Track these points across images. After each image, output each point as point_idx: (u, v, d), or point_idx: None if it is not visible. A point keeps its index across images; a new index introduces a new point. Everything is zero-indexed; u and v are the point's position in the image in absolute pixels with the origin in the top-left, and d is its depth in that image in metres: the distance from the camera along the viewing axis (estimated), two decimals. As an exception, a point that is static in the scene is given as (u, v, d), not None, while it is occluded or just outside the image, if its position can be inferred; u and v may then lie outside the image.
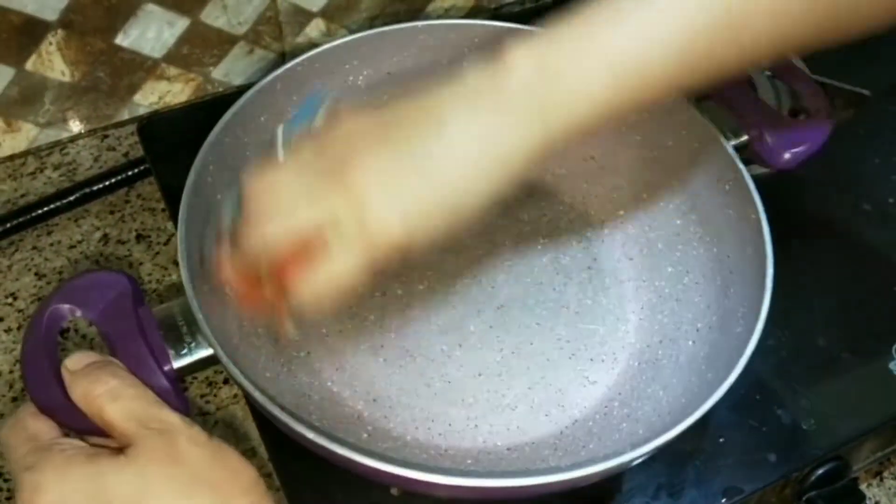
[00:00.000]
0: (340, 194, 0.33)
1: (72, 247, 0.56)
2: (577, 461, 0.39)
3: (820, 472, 0.45)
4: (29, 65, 0.54)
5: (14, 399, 0.49)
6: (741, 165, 0.46)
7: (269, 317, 0.37)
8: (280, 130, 0.36)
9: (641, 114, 0.50)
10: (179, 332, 0.39)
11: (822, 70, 0.61)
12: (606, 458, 0.35)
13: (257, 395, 0.36)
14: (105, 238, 0.56)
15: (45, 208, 0.56)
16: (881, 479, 0.51)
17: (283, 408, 0.36)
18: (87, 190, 0.57)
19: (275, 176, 0.35)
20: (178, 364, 0.39)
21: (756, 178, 0.48)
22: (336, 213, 0.33)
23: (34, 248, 0.56)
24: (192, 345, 0.39)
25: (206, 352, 0.39)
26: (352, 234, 0.33)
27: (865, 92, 0.60)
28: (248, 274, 0.36)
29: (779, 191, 0.51)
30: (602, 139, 0.53)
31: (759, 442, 0.45)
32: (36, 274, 0.54)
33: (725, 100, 0.51)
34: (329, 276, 0.34)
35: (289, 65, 0.49)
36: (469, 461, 0.42)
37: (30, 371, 0.37)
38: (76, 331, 0.51)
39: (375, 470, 0.34)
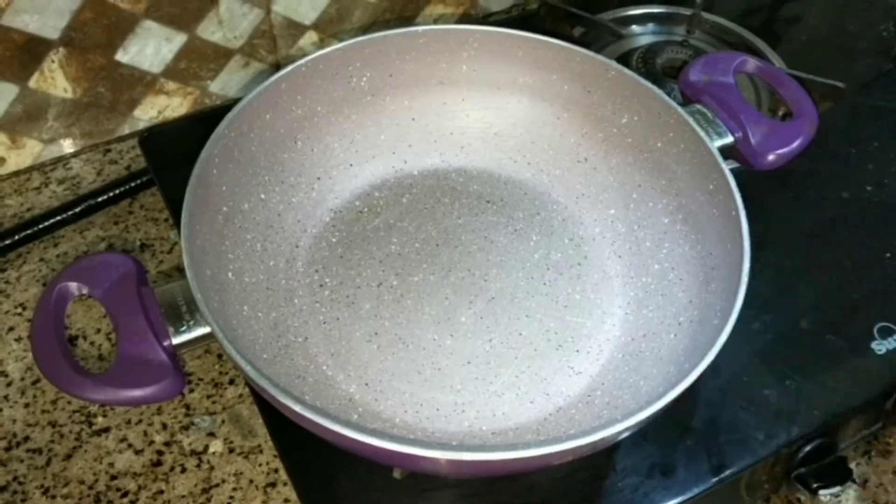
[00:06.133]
0: None
1: (78, 257, 0.57)
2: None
3: (807, 449, 0.47)
4: (32, 82, 0.56)
5: (26, 405, 0.50)
6: (724, 166, 0.47)
7: None
8: None
9: (632, 117, 0.52)
10: (179, 311, 0.41)
11: (800, 65, 0.63)
12: (578, 435, 0.36)
13: (248, 368, 0.37)
14: (110, 248, 0.58)
15: (51, 221, 0.58)
16: (869, 458, 0.53)
17: (272, 381, 0.37)
18: (92, 202, 0.59)
19: None
20: (176, 340, 0.41)
21: (739, 170, 0.49)
22: None
23: (41, 259, 0.57)
24: (191, 323, 0.41)
25: (203, 329, 0.41)
26: None
27: (841, 85, 0.62)
28: None
29: (761, 181, 0.53)
30: (595, 142, 0.55)
31: (747, 421, 0.46)
32: (44, 285, 0.56)
33: (712, 102, 0.52)
34: None
35: (293, 66, 0.51)
36: (454, 443, 0.43)
37: (39, 344, 0.40)
38: (84, 337, 0.53)
39: (361, 443, 0.36)
